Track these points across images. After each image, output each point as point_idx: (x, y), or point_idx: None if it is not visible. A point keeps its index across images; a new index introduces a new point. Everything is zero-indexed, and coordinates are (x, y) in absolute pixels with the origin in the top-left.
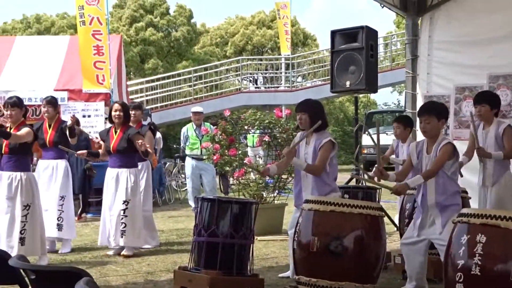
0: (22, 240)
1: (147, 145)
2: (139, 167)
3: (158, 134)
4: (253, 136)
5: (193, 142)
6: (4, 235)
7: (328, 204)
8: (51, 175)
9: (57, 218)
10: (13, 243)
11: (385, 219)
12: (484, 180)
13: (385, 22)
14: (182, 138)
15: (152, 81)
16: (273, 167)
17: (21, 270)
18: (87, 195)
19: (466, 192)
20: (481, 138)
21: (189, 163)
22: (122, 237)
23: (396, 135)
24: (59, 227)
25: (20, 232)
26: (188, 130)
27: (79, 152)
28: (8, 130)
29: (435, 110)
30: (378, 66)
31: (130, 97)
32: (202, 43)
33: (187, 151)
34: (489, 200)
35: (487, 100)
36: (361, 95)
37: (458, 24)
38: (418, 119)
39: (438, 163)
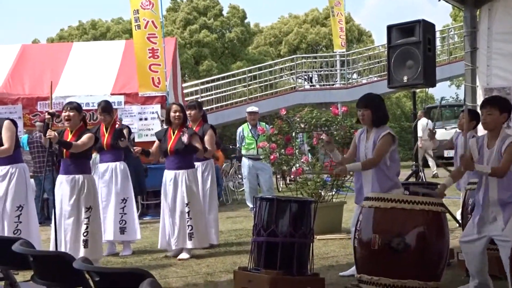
0: (85, 243)
1: (208, 145)
2: (203, 167)
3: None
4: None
5: (249, 142)
6: (71, 238)
7: (389, 201)
8: (111, 178)
9: (119, 221)
10: (78, 246)
11: (447, 215)
12: None
13: (441, 16)
14: (238, 138)
15: (207, 82)
16: (348, 164)
17: (85, 273)
18: (144, 197)
19: None
20: None
21: (245, 163)
22: (190, 239)
23: (460, 124)
24: (122, 230)
25: (83, 234)
26: (244, 130)
27: (136, 148)
28: (65, 135)
29: (498, 103)
30: (436, 60)
31: (186, 99)
32: (256, 43)
33: (243, 152)
34: None
35: None
36: (418, 90)
37: None
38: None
39: (507, 164)
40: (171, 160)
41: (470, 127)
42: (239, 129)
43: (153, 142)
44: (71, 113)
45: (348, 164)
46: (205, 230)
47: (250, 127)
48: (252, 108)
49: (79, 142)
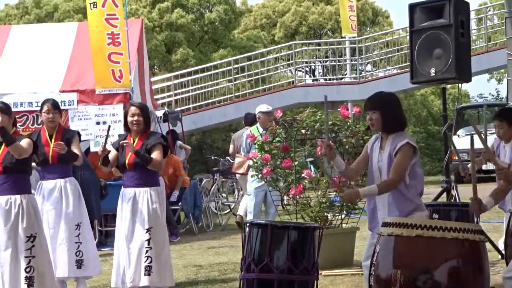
0: (29, 281)
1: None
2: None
3: (180, 144)
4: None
5: None
6: (7, 275)
7: (414, 227)
8: (60, 198)
9: (76, 253)
10: (19, 286)
11: (487, 244)
12: None
13: None
14: (244, 145)
15: (182, 76)
16: (362, 189)
17: None
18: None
19: None
20: None
21: (254, 177)
22: (148, 274)
23: (499, 135)
24: (79, 263)
25: (26, 270)
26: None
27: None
28: None
29: None
30: (471, 48)
31: (156, 97)
32: (243, 25)
33: (251, 162)
34: None
35: None
36: (449, 86)
37: None
38: None
39: None
40: (130, 175)
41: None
42: (244, 134)
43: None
44: None
45: (362, 188)
46: (169, 264)
47: (261, 131)
48: (266, 107)
49: (18, 144)
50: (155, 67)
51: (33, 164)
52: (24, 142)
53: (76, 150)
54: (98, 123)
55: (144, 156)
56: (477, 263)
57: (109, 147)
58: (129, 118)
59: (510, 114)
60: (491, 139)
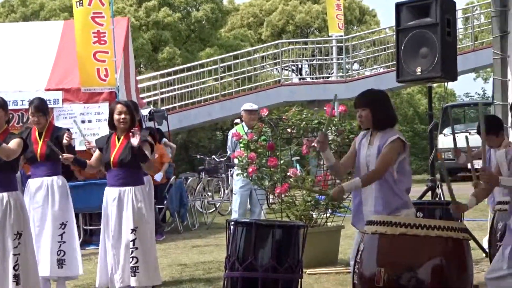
0: (17, 278)
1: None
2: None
3: (166, 141)
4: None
5: None
6: None
7: (398, 225)
8: (46, 197)
9: (57, 252)
10: (7, 284)
11: (471, 242)
12: None
13: None
14: (229, 144)
15: (168, 74)
16: (345, 183)
17: None
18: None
19: None
20: None
21: (239, 176)
22: (134, 275)
23: (490, 146)
24: (60, 263)
25: (14, 268)
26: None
27: (65, 155)
28: None
29: None
30: (457, 47)
31: (141, 95)
32: (230, 24)
33: (236, 161)
34: None
35: None
36: (435, 85)
37: None
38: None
39: None
40: (115, 174)
41: (501, 141)
42: (230, 133)
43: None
44: None
45: (345, 183)
46: (156, 264)
47: (246, 129)
48: (250, 105)
49: (5, 146)
50: (141, 65)
51: None
52: (14, 143)
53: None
54: (83, 121)
55: (143, 153)
56: (460, 261)
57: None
58: (116, 116)
59: (493, 125)
60: (475, 138)
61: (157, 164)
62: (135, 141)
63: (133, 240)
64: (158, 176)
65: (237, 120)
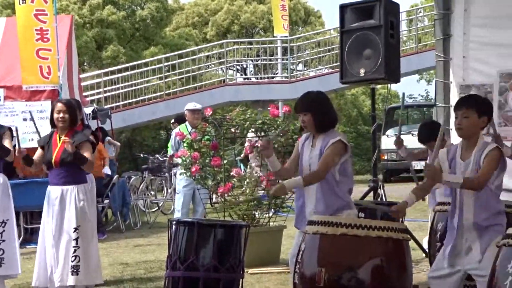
0: None
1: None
2: None
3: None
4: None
5: None
6: None
7: (338, 225)
8: None
9: None
10: None
11: (411, 243)
12: None
13: None
14: (173, 143)
15: (112, 73)
16: (286, 181)
17: None
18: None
19: None
20: None
21: (183, 175)
22: (76, 274)
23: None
24: None
25: None
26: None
27: (18, 149)
28: None
29: (476, 104)
30: (401, 49)
31: (84, 93)
32: (175, 23)
33: (180, 160)
34: None
35: None
36: (379, 86)
37: None
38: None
39: (487, 174)
40: (56, 173)
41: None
42: (174, 132)
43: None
44: None
45: (287, 181)
46: (98, 263)
47: (190, 129)
48: (194, 105)
49: None
50: (85, 63)
51: None
52: None
53: (8, 146)
54: (25, 119)
55: (81, 156)
56: (400, 262)
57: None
58: (55, 115)
59: (434, 131)
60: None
61: (98, 161)
62: (69, 148)
63: (76, 239)
64: (107, 169)
65: (173, 120)
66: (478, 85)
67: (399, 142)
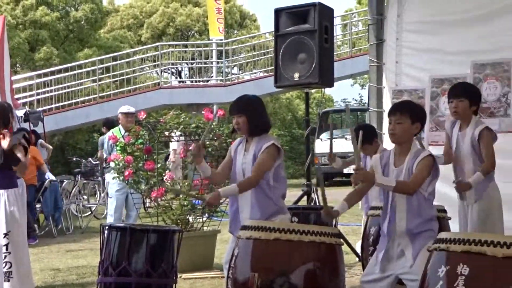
0: None
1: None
2: None
3: (42, 142)
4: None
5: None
6: None
7: (272, 230)
8: None
9: None
10: None
11: (345, 247)
12: (464, 196)
13: None
14: (105, 147)
15: (45, 75)
16: (221, 189)
17: None
18: None
19: (445, 211)
20: (456, 141)
21: (115, 179)
22: (7, 280)
23: (365, 154)
24: None
25: None
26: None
27: None
28: None
29: (410, 110)
30: (335, 53)
31: (16, 96)
32: (110, 25)
33: (113, 164)
34: (470, 219)
35: (465, 94)
36: (313, 90)
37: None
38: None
39: (420, 179)
40: None
41: (376, 149)
42: (106, 136)
43: None
44: None
45: (222, 189)
46: (29, 268)
47: (123, 132)
48: (128, 108)
49: None
50: (17, 65)
51: None
52: None
53: None
54: None
55: (15, 156)
56: (332, 266)
57: None
58: None
59: (368, 134)
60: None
61: (32, 167)
62: (4, 143)
63: (6, 245)
64: (50, 175)
65: (104, 129)
66: (411, 90)
67: (331, 157)
